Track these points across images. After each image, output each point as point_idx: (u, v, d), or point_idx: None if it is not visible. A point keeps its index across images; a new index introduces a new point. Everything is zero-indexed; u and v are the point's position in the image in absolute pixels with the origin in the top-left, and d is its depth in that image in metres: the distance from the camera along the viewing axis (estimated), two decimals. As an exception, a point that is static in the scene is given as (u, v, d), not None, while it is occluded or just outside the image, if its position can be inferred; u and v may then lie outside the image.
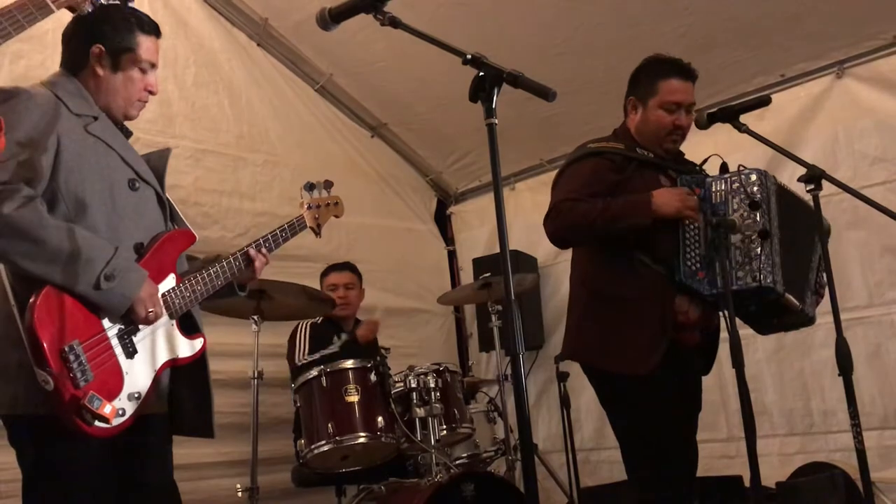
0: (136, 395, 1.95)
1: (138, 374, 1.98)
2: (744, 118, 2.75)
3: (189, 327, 2.17)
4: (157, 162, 2.27)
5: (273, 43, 4.95)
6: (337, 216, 2.83)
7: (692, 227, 2.67)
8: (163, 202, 2.20)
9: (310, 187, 2.74)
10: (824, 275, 2.72)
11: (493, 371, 5.13)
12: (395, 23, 1.94)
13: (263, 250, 2.38)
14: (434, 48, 1.89)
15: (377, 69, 5.00)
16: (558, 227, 2.72)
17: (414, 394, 3.47)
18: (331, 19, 2.03)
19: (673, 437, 2.66)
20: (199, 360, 2.16)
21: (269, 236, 2.44)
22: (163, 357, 2.05)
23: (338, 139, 5.34)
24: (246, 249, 2.34)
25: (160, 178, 2.24)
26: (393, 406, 3.40)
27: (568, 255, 3.00)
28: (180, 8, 4.49)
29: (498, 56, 1.83)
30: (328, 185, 2.80)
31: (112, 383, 1.91)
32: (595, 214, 2.63)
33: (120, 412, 1.90)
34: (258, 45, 4.89)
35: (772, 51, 4.39)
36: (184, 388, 2.17)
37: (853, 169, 4.23)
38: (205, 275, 2.18)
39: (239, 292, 2.40)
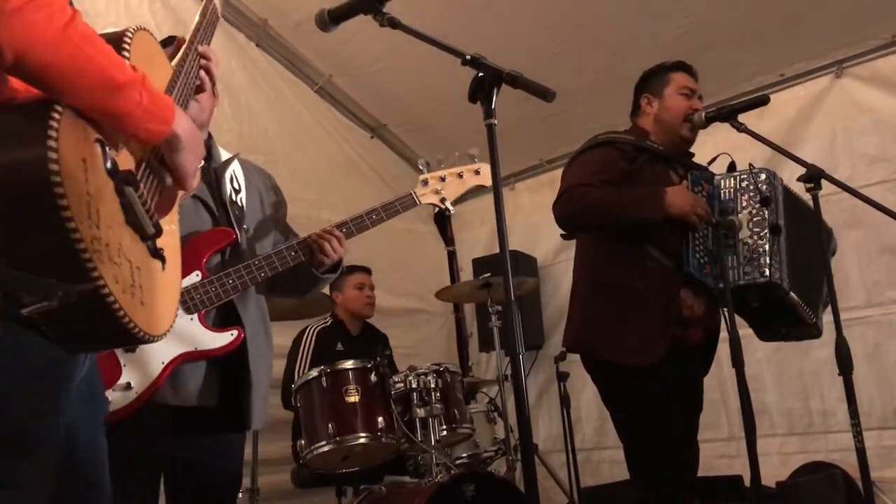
0: (126, 386, 1.98)
1: (137, 367, 2.01)
2: (742, 118, 2.75)
3: (226, 321, 2.18)
4: (221, 168, 2.33)
5: (272, 44, 4.95)
6: (484, 185, 2.59)
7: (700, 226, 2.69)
8: (210, 209, 2.23)
9: (425, 165, 2.57)
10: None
11: (493, 371, 5.13)
12: (394, 23, 1.95)
13: (336, 233, 2.34)
14: (433, 49, 1.89)
15: (376, 70, 5.01)
16: (569, 211, 2.71)
17: (414, 394, 3.46)
18: (330, 20, 2.04)
19: (674, 433, 2.66)
20: (236, 352, 2.14)
21: (356, 219, 2.40)
22: (174, 350, 2.06)
23: (337, 140, 5.34)
24: (304, 238, 2.32)
25: (220, 184, 2.29)
26: (393, 406, 3.40)
27: (568, 254, 3.02)
28: (179, 8, 4.49)
29: (497, 56, 1.83)
30: (472, 155, 2.64)
31: (106, 375, 1.92)
32: (608, 201, 2.64)
33: None
34: (257, 45, 4.89)
35: (771, 50, 4.40)
36: (227, 381, 2.19)
37: (852, 168, 4.24)
38: (242, 270, 2.18)
39: (320, 275, 2.37)
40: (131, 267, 1.32)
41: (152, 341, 1.36)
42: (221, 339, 2.13)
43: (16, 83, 1.28)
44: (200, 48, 1.82)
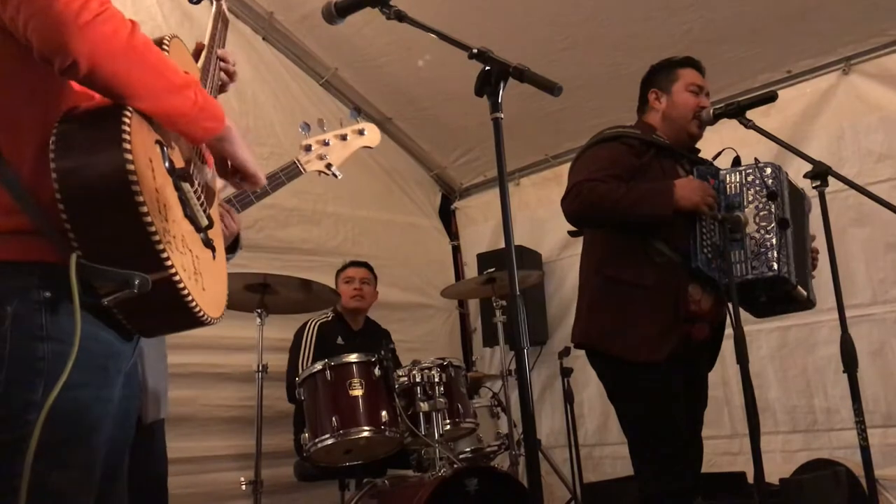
0: None
1: None
2: (750, 114, 2.75)
3: None
4: None
5: (278, 37, 4.94)
6: (369, 146, 2.40)
7: (709, 217, 2.69)
8: None
9: (305, 127, 2.36)
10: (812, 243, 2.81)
11: (496, 366, 5.13)
12: (400, 17, 1.94)
13: (225, 206, 2.06)
14: (440, 42, 1.89)
15: (382, 63, 5.00)
16: (578, 206, 2.70)
17: (418, 388, 3.47)
18: (336, 13, 2.03)
19: (678, 430, 2.66)
20: None
21: (240, 195, 2.14)
22: None
23: (342, 134, 5.33)
24: None
25: None
26: (397, 400, 3.40)
27: (572, 250, 3.01)
28: (185, 0, 4.49)
29: (503, 50, 1.82)
30: (355, 112, 2.44)
31: None
32: (617, 196, 2.63)
33: None
34: (263, 38, 4.89)
35: (778, 47, 4.38)
36: None
37: (859, 165, 4.22)
38: None
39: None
40: (192, 256, 1.42)
41: (212, 324, 1.45)
42: None
43: (76, 87, 1.37)
44: (219, 51, 1.90)
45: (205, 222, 1.50)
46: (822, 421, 4.27)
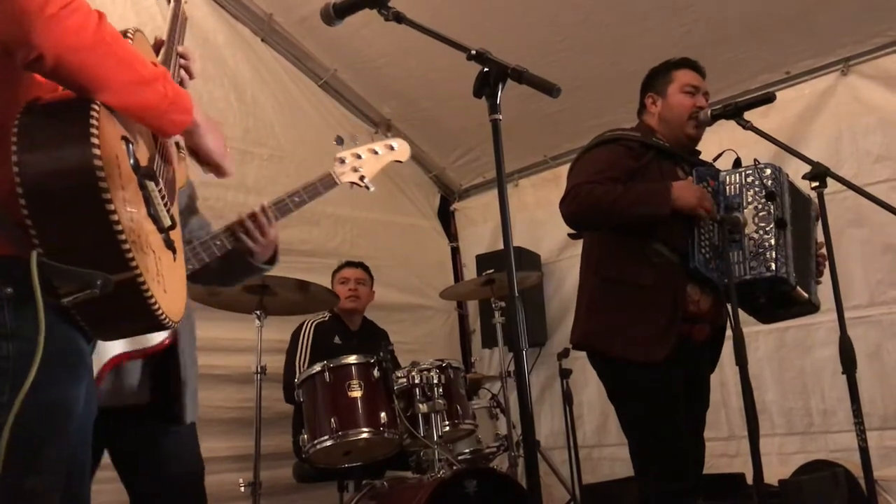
0: None
1: None
2: (748, 115, 2.75)
3: None
4: None
5: (277, 38, 4.94)
6: (400, 160, 2.52)
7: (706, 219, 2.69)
8: None
9: (339, 140, 2.47)
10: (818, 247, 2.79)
11: (495, 367, 5.13)
12: (399, 18, 1.94)
13: (265, 218, 2.20)
14: (439, 44, 1.89)
15: (381, 65, 5.00)
16: (576, 209, 2.70)
17: (417, 389, 3.47)
18: (335, 14, 2.03)
19: (679, 430, 2.66)
20: (168, 350, 2.11)
21: (279, 202, 2.25)
22: (114, 350, 2.00)
23: (342, 135, 5.33)
24: (229, 226, 2.18)
25: None
26: (396, 401, 3.40)
27: (571, 251, 3.01)
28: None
29: (502, 51, 1.82)
30: (385, 128, 2.54)
31: None
32: (614, 197, 2.63)
33: None
34: (262, 40, 4.88)
35: (776, 48, 4.38)
36: (157, 377, 2.16)
37: (857, 166, 4.23)
38: None
39: (260, 265, 2.25)
40: (155, 257, 1.38)
41: (171, 327, 1.42)
42: (159, 335, 2.06)
43: (38, 78, 1.32)
44: (179, 49, 1.87)
45: (168, 222, 1.45)
46: (818, 423, 4.27)
